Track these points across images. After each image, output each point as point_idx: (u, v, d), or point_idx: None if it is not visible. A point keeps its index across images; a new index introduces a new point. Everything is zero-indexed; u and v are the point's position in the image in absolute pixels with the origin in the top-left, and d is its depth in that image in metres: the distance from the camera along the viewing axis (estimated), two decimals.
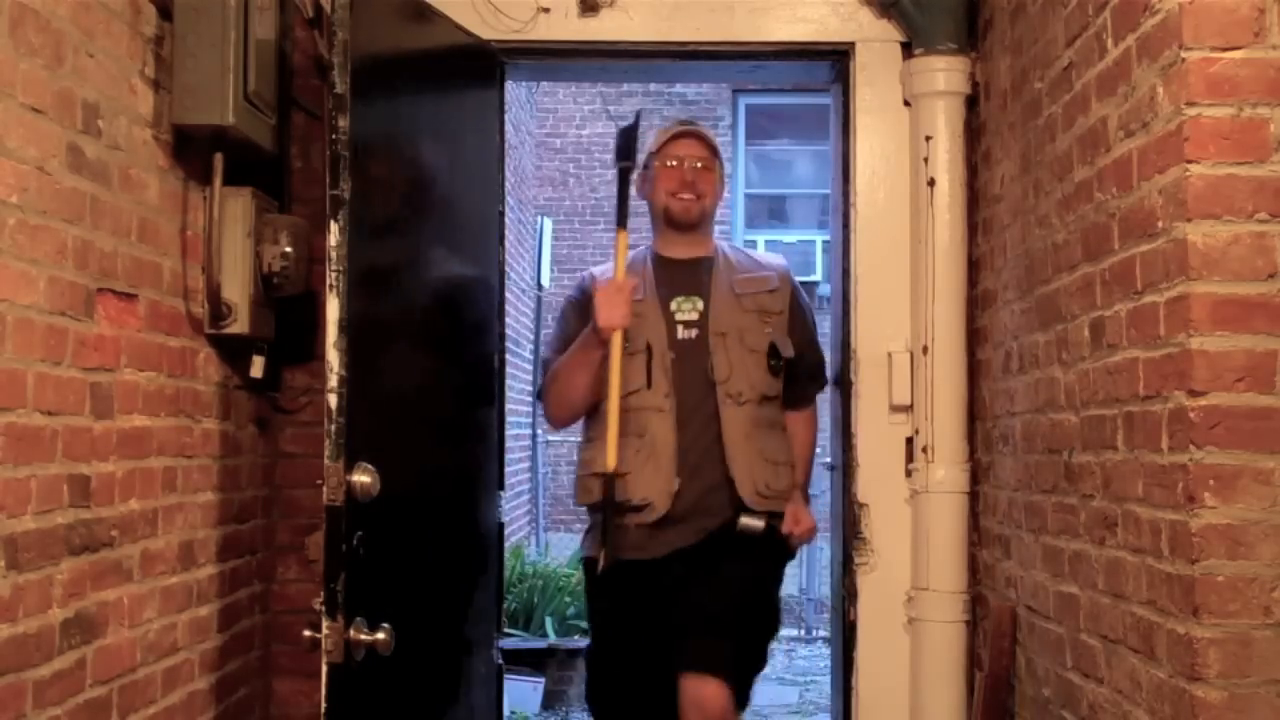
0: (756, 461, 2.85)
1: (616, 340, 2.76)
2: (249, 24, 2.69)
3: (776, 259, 3.12)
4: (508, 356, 3.79)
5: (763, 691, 5.08)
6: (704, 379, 2.85)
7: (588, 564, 2.97)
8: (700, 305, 2.90)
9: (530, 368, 9.16)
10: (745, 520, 2.84)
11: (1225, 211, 1.81)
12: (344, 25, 2.39)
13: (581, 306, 2.91)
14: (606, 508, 2.78)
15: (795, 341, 2.97)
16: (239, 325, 2.82)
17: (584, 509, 3.02)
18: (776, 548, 2.93)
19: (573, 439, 4.15)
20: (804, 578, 7.97)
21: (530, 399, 9.08)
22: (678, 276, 2.93)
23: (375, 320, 2.53)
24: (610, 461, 2.76)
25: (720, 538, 2.86)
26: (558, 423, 3.09)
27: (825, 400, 3.31)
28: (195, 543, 2.76)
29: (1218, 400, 1.80)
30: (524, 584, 6.36)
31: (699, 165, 2.91)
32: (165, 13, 2.59)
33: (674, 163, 2.91)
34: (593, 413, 2.92)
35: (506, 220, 3.72)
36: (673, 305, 2.90)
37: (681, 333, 2.88)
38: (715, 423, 2.84)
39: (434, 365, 2.97)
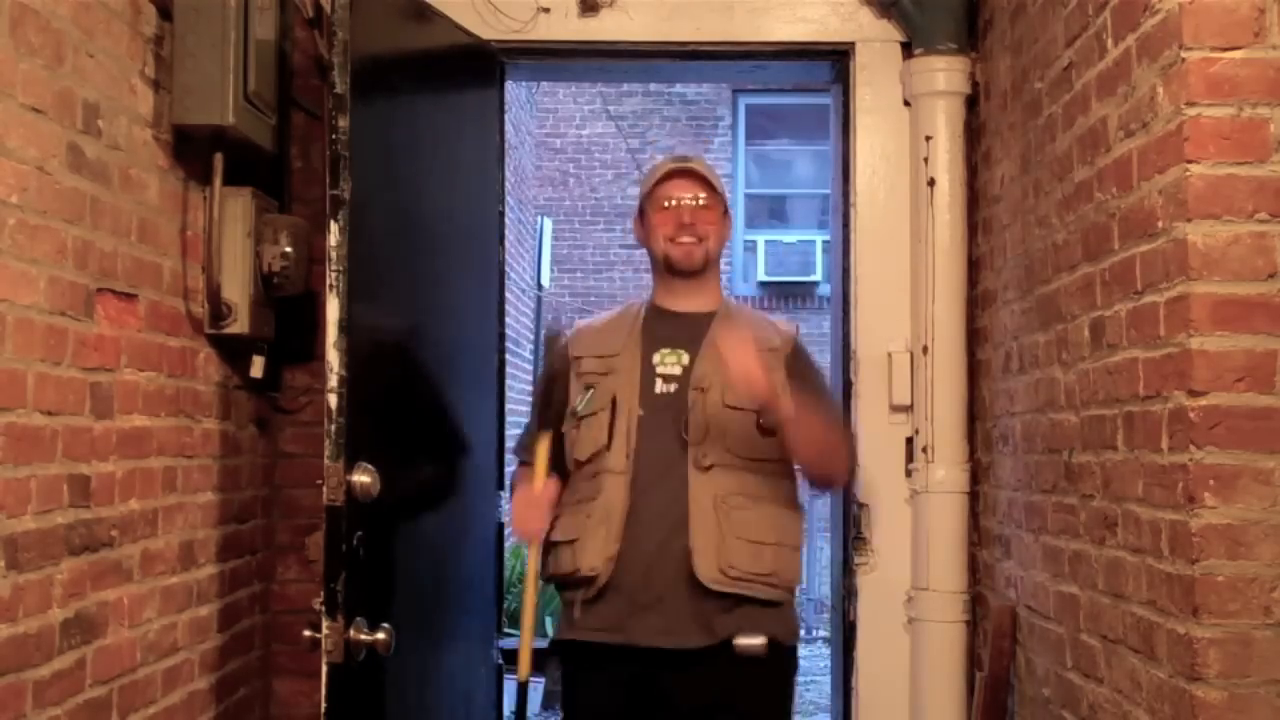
0: (725, 536, 2.41)
1: (534, 551, 2.53)
2: (249, 24, 2.69)
3: (788, 324, 2.71)
4: (507, 356, 3.79)
5: None
6: (678, 440, 2.47)
7: (560, 651, 2.60)
8: (685, 359, 2.53)
9: (530, 368, 9.15)
10: (742, 641, 2.42)
11: (1225, 211, 1.81)
12: (344, 25, 2.39)
13: (552, 372, 2.65)
14: (519, 694, 2.59)
15: (801, 398, 2.50)
16: (239, 325, 2.82)
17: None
18: (783, 675, 2.56)
19: None
20: (804, 577, 7.96)
21: (528, 398, 9.06)
22: (669, 328, 2.59)
23: (375, 320, 2.53)
24: (522, 669, 2.55)
25: (713, 670, 2.43)
26: None
27: None
28: (195, 543, 2.76)
29: (1218, 400, 1.80)
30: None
31: (698, 204, 2.56)
32: (165, 13, 2.59)
33: (669, 204, 2.56)
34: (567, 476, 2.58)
35: (506, 220, 3.72)
36: (655, 358, 2.55)
37: (660, 386, 2.52)
38: (683, 490, 2.44)
39: (434, 365, 2.97)
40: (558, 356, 2.66)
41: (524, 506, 2.52)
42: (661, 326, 2.59)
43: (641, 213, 2.67)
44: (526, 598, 2.56)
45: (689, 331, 2.57)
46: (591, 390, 2.51)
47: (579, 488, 2.51)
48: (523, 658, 2.53)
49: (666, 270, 2.60)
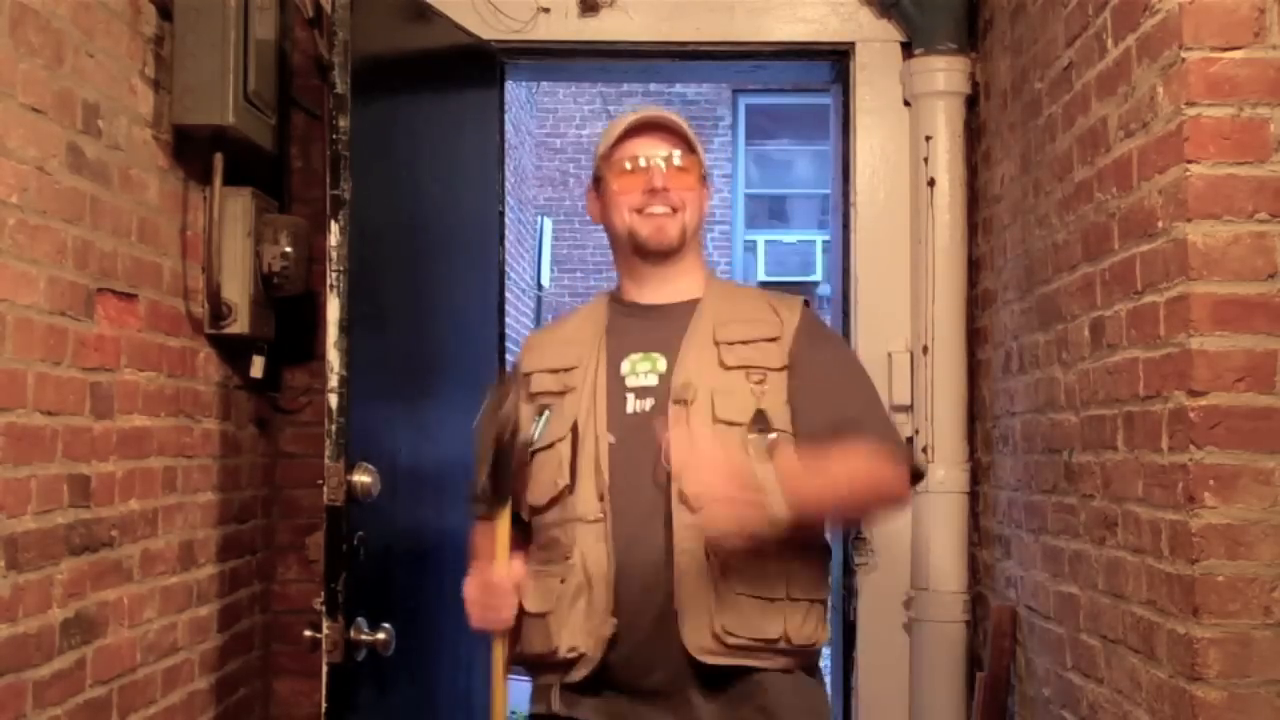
0: (718, 594, 1.84)
1: (500, 643, 1.96)
2: (249, 24, 2.69)
3: (791, 299, 2.08)
4: (508, 357, 3.78)
5: None
6: (655, 471, 1.88)
7: None
8: (661, 364, 1.96)
9: None
10: None
11: (1225, 211, 1.81)
12: (344, 25, 2.40)
13: (502, 399, 1.93)
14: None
15: (805, 405, 1.94)
16: (239, 325, 2.82)
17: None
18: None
19: None
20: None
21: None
22: (639, 327, 2.01)
23: (376, 320, 2.53)
24: None
25: None
26: None
27: None
28: (195, 543, 2.76)
29: (1218, 400, 1.80)
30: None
31: (673, 164, 1.99)
32: (165, 13, 2.59)
33: (635, 164, 1.99)
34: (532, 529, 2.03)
35: (506, 220, 3.72)
36: (625, 366, 1.97)
37: (633, 404, 1.94)
38: (668, 535, 1.87)
39: (434, 365, 2.97)
40: (509, 381, 2.04)
41: (482, 595, 1.93)
42: (629, 326, 2.02)
43: (597, 181, 2.08)
44: (495, 694, 1.99)
45: (664, 329, 1.99)
46: (546, 414, 1.95)
47: (544, 542, 1.96)
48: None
49: (633, 252, 2.02)
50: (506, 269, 3.77)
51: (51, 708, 2.11)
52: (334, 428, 2.34)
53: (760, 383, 1.94)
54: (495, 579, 1.92)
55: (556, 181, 10.52)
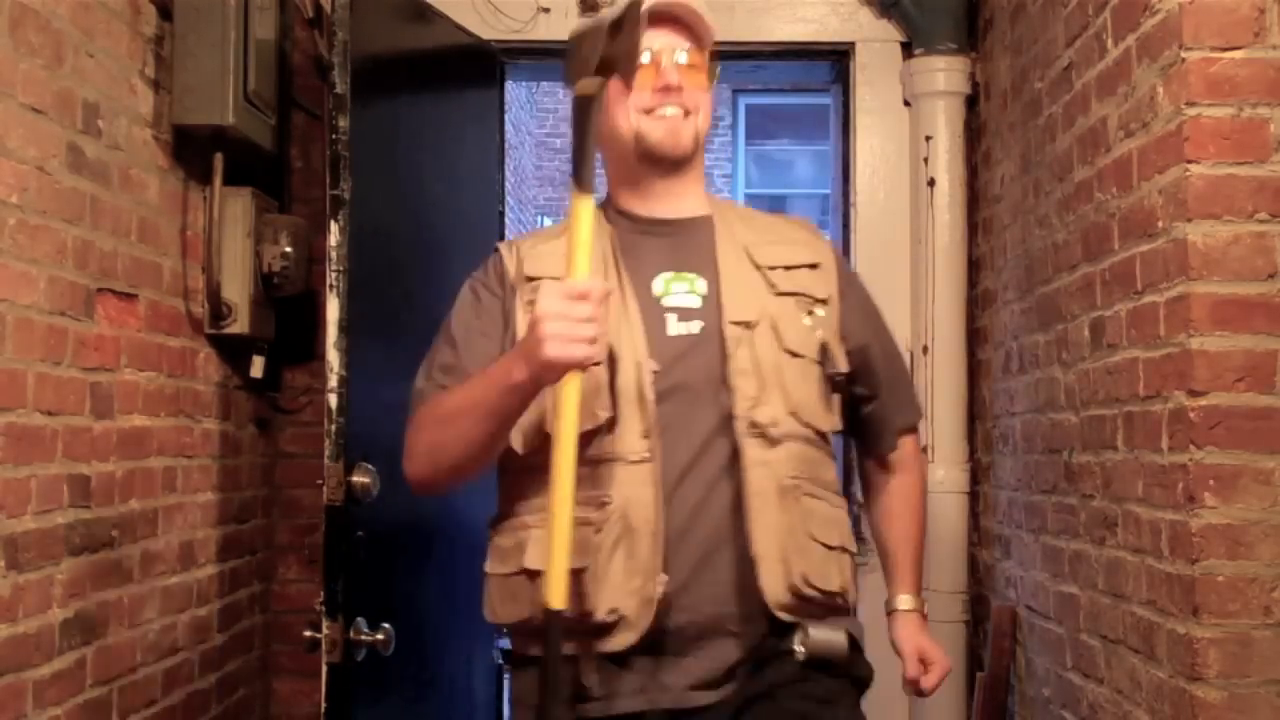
0: (795, 539, 1.67)
1: (572, 389, 1.54)
2: (249, 24, 2.69)
3: (804, 223, 1.96)
4: None
5: None
6: (712, 404, 1.68)
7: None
8: (703, 285, 1.75)
9: None
10: (817, 634, 1.69)
11: (1225, 211, 1.81)
12: (344, 25, 2.39)
13: (492, 299, 1.81)
14: (550, 632, 1.55)
15: (858, 345, 1.83)
16: (239, 325, 2.82)
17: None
18: (857, 684, 1.84)
19: None
20: None
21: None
22: (658, 245, 1.78)
23: (376, 320, 2.53)
24: (555, 593, 1.53)
25: (764, 684, 1.69)
26: (428, 483, 1.85)
27: None
28: (195, 543, 2.76)
29: (1218, 400, 1.80)
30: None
31: (684, 60, 1.77)
32: (165, 13, 2.59)
33: (644, 58, 1.72)
34: (515, 471, 1.76)
35: (506, 220, 3.72)
36: (657, 285, 1.75)
37: (675, 325, 1.72)
38: (732, 476, 1.66)
39: None
40: (492, 279, 1.82)
41: (572, 303, 1.51)
42: (645, 243, 1.78)
43: None
44: (559, 481, 1.52)
45: (688, 246, 1.78)
46: None
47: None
48: (556, 572, 1.53)
49: (640, 160, 1.77)
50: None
51: (51, 708, 2.11)
52: (334, 428, 2.34)
53: (810, 313, 1.77)
54: (580, 285, 1.52)
55: (556, 181, 10.51)
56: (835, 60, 3.45)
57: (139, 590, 2.46)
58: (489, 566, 1.77)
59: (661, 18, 1.74)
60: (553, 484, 1.52)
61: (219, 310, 2.78)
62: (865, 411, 1.90)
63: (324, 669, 2.29)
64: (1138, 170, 2.02)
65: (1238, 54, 1.83)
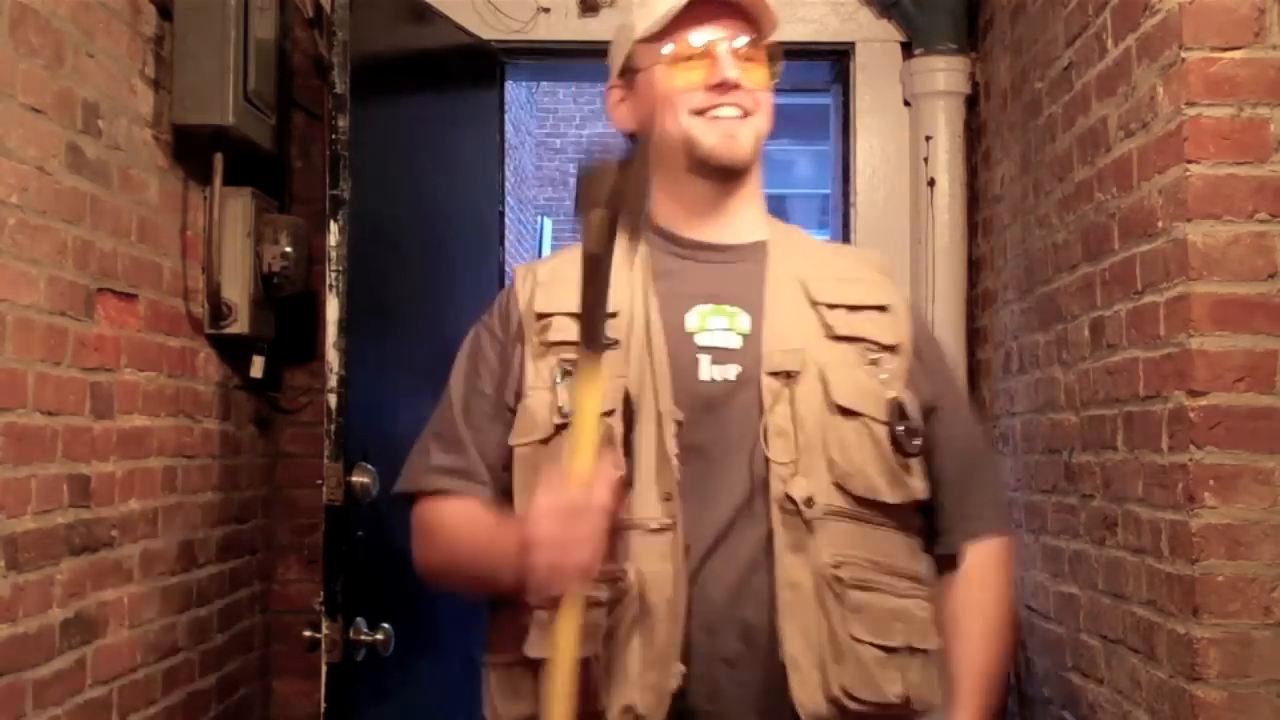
0: (836, 642, 1.39)
1: (569, 615, 1.30)
2: (249, 24, 2.69)
3: (875, 258, 1.66)
4: None
5: None
6: (745, 467, 1.42)
7: None
8: (745, 322, 1.47)
9: None
10: None
11: (1225, 211, 1.81)
12: (344, 25, 2.40)
13: (492, 344, 1.58)
14: None
15: (936, 408, 1.53)
16: (239, 325, 2.82)
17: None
18: None
19: None
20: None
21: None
22: (701, 272, 1.51)
23: (376, 320, 2.53)
24: None
25: None
26: (434, 580, 1.65)
27: None
28: (195, 543, 2.76)
29: (1218, 400, 1.80)
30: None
31: (742, 52, 1.51)
32: (165, 13, 2.59)
33: (695, 48, 1.51)
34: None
35: (506, 220, 3.72)
36: (691, 320, 1.48)
37: (707, 370, 1.45)
38: (766, 557, 1.40)
39: (434, 365, 2.96)
40: (496, 319, 1.58)
41: (569, 515, 1.28)
42: (686, 269, 1.51)
43: (626, 76, 1.60)
44: (558, 673, 1.30)
45: (735, 276, 1.51)
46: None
47: None
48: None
49: (690, 169, 1.51)
50: (506, 269, 3.78)
51: (52, 708, 2.11)
52: (333, 428, 2.34)
53: (874, 364, 1.48)
54: (580, 492, 1.28)
55: (556, 181, 10.51)
56: (835, 60, 3.44)
57: (139, 590, 2.46)
58: (488, 654, 1.52)
59: (715, 4, 1.49)
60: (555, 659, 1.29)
61: (219, 310, 2.78)
62: (944, 496, 1.53)
63: (324, 669, 2.29)
64: (1138, 170, 2.02)
65: (1238, 54, 1.83)
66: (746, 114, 1.50)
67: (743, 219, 1.55)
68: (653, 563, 1.38)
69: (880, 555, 1.44)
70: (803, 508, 1.39)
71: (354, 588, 2.33)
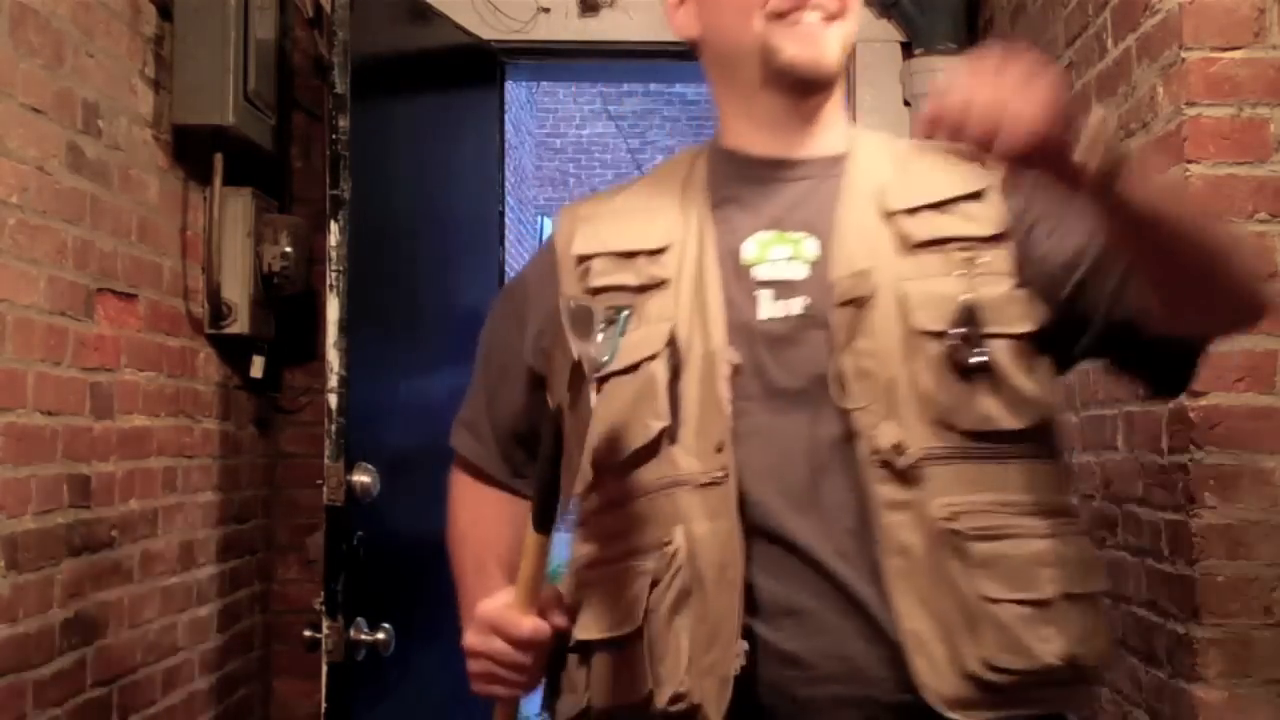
0: (966, 608, 1.15)
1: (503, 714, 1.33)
2: (249, 24, 2.69)
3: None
4: None
5: None
6: (825, 415, 1.20)
7: None
8: (812, 249, 1.26)
9: None
10: None
11: (1225, 212, 1.81)
12: (344, 25, 2.39)
13: (517, 300, 1.44)
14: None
15: (1065, 249, 1.22)
16: (239, 325, 2.82)
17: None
18: None
19: None
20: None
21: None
22: (764, 194, 1.30)
23: (376, 320, 2.53)
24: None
25: None
26: None
27: None
28: (195, 543, 2.76)
29: (1218, 400, 1.80)
30: None
31: None
32: (165, 13, 2.59)
33: None
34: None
35: (506, 220, 3.72)
36: (749, 249, 1.27)
37: (769, 306, 1.24)
38: (860, 521, 1.18)
39: (434, 365, 2.96)
40: (530, 270, 1.44)
41: (494, 647, 1.26)
42: (748, 192, 1.30)
43: None
44: None
45: (805, 195, 1.29)
46: (625, 315, 1.17)
47: (615, 521, 1.25)
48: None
49: (766, 82, 1.29)
50: (506, 269, 3.78)
51: (52, 708, 2.11)
52: (334, 428, 2.33)
53: (969, 263, 1.22)
54: (521, 624, 1.23)
55: (556, 181, 10.52)
56: None
57: (139, 590, 2.46)
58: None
59: None
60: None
61: (219, 310, 2.78)
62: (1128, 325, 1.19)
63: (324, 669, 2.29)
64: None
65: (1238, 54, 1.83)
66: (833, 18, 1.27)
67: (824, 132, 1.32)
68: (702, 522, 1.18)
69: (1010, 493, 1.18)
70: (895, 458, 1.16)
71: (354, 588, 2.33)
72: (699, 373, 1.22)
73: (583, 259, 1.31)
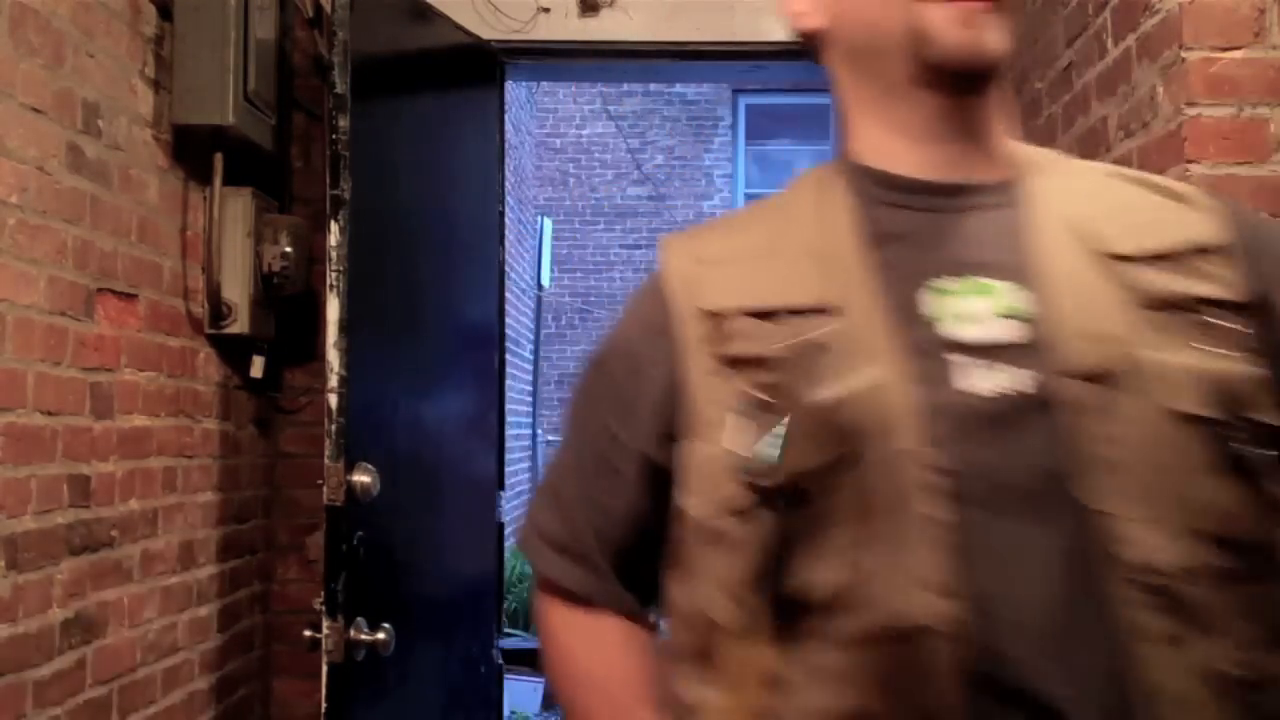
0: None
1: None
2: (249, 24, 2.69)
3: (1193, 189, 1.03)
4: (508, 356, 3.79)
5: None
6: (1054, 524, 0.87)
7: None
8: (1017, 299, 0.94)
9: (530, 368, 9.15)
10: None
11: None
12: (344, 25, 2.39)
13: (629, 380, 1.04)
14: None
15: None
16: (239, 325, 2.82)
17: None
18: None
19: None
20: None
21: (529, 398, 9.06)
22: (936, 223, 0.99)
23: (376, 320, 2.53)
24: None
25: None
26: None
27: None
28: (195, 543, 2.76)
29: None
30: (524, 584, 6.36)
31: None
32: (165, 13, 2.59)
33: None
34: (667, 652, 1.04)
35: (506, 220, 3.72)
36: (928, 303, 0.95)
37: (967, 378, 0.91)
38: (1111, 655, 0.85)
39: (434, 365, 2.97)
40: (640, 318, 1.06)
41: None
42: (914, 219, 1.01)
43: None
44: None
45: (989, 228, 0.99)
46: (786, 416, 0.91)
47: (794, 673, 0.90)
48: None
49: (917, 75, 1.00)
50: (506, 269, 3.78)
51: (52, 708, 2.11)
52: (334, 428, 2.33)
53: (1207, 331, 0.92)
54: None
55: (556, 181, 10.52)
56: None
57: (139, 590, 2.47)
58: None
59: None
60: None
61: (219, 310, 2.78)
62: None
63: (324, 669, 2.29)
64: (1138, 170, 2.02)
65: (1238, 54, 1.83)
66: (997, 1, 0.97)
67: (988, 143, 1.04)
68: (918, 685, 0.85)
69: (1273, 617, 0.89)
70: (1168, 580, 0.86)
71: (354, 588, 2.33)
72: (890, 475, 0.89)
73: (716, 315, 0.99)
